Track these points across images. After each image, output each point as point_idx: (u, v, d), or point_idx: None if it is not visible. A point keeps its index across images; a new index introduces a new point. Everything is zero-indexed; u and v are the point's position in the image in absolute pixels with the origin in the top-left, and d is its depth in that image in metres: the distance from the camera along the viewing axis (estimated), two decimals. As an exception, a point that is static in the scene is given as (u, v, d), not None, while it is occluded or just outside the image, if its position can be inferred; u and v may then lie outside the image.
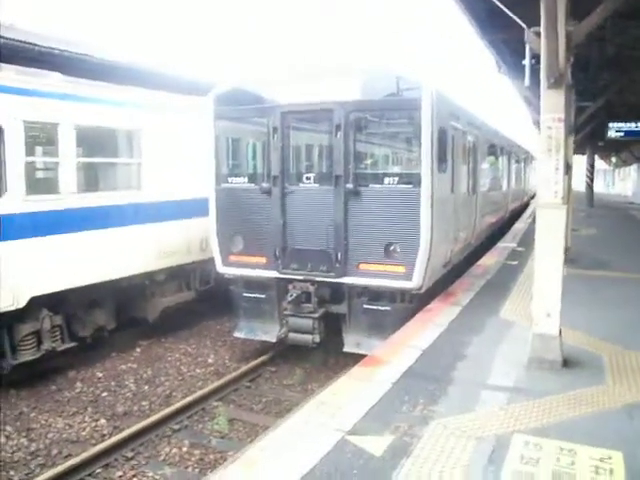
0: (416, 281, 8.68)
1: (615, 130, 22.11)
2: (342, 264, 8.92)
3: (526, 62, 7.90)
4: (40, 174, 9.65)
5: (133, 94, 10.16)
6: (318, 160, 10.16)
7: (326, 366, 9.77)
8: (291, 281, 9.30)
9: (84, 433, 7.50)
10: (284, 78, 9.22)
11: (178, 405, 8.02)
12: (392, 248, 8.70)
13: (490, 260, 14.42)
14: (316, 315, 9.20)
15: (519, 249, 16.20)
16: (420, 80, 8.52)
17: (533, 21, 7.04)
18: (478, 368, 6.63)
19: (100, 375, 9.42)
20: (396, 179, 8.72)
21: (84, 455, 6.65)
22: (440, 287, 10.35)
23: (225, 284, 10.48)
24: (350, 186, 8.75)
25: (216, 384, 8.80)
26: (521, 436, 4.91)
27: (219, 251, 9.86)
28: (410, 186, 8.55)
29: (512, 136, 22.38)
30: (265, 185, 9.28)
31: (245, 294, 9.94)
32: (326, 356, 10.07)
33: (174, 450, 7.08)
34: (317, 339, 9.26)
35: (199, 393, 8.44)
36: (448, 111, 9.88)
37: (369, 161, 9.77)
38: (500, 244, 17.40)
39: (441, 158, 9.19)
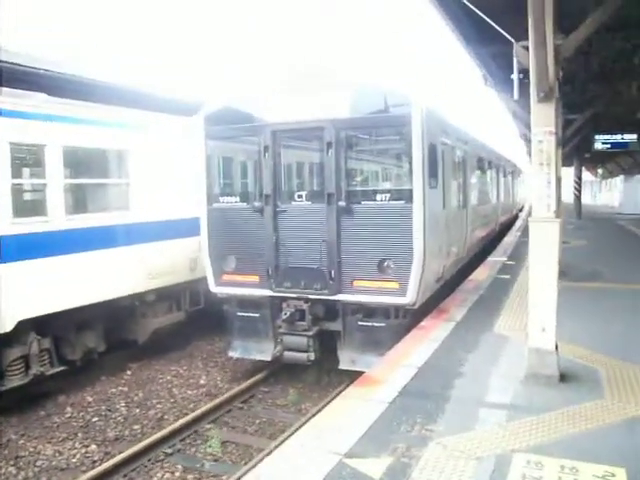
0: (410, 297, 8.64)
1: (601, 142, 22.28)
2: (336, 281, 8.87)
3: (514, 76, 7.93)
4: (27, 196, 9.53)
5: (120, 115, 10.09)
6: (309, 178, 10.06)
7: (320, 385, 9.66)
8: (285, 299, 9.20)
9: (74, 460, 7.34)
10: (273, 96, 9.16)
11: (170, 428, 7.87)
12: (385, 264, 8.67)
13: (482, 275, 14.39)
14: (310, 333, 9.11)
15: (510, 263, 16.18)
16: (410, 96, 8.56)
17: (520, 35, 7.06)
18: (475, 385, 6.55)
19: (90, 399, 9.26)
20: (388, 195, 8.70)
21: (74, 483, 6.50)
22: (433, 303, 10.31)
23: (216, 304, 10.38)
24: (342, 204, 8.75)
25: (208, 406, 8.66)
26: (522, 455, 4.83)
27: (212, 271, 9.76)
28: (402, 202, 8.56)
29: (500, 150, 22.81)
30: (257, 204, 9.26)
31: (239, 313, 9.79)
32: (320, 375, 9.97)
33: (167, 475, 6.94)
34: (312, 357, 9.16)
35: (191, 415, 8.30)
36: (438, 127, 9.99)
37: (361, 178, 9.65)
38: (491, 258, 17.38)
39: (432, 174, 9.23)
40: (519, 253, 17.98)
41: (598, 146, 22.50)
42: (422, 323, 9.45)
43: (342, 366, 9.19)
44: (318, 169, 9.33)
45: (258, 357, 9.80)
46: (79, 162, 9.64)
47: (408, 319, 9.03)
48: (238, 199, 9.66)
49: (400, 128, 8.60)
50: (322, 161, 8.98)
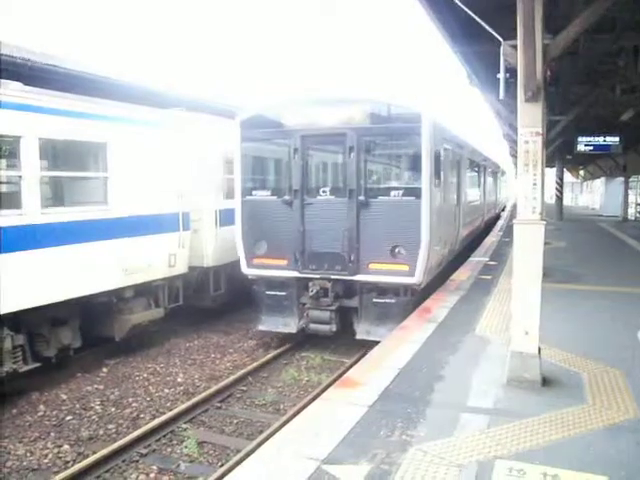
0: (417, 277, 10.14)
1: (584, 144, 22.36)
2: (354, 264, 10.34)
3: (501, 75, 7.84)
4: (2, 188, 9.29)
5: (100, 106, 9.85)
6: (333, 176, 11.23)
7: (299, 385, 9.53)
8: (310, 280, 10.63)
9: (46, 460, 7.13)
10: (303, 106, 10.61)
11: (146, 428, 7.69)
12: (397, 250, 10.14)
13: (463, 275, 14.34)
14: (333, 308, 10.56)
15: (492, 263, 16.18)
16: (420, 111, 10.02)
17: (508, 34, 6.98)
18: (456, 389, 6.47)
19: (64, 397, 9.04)
20: (400, 192, 10.15)
21: (45, 484, 6.32)
22: (434, 285, 12.02)
23: (194, 300, 10.68)
24: (361, 198, 10.21)
25: (185, 405, 8.49)
26: (504, 462, 4.73)
27: (244, 255, 11.18)
28: (412, 198, 10.04)
29: (485, 151, 23.76)
30: (287, 197, 10.66)
31: (267, 292, 11.19)
32: (300, 373, 9.86)
33: (141, 476, 6.75)
34: (334, 328, 10.64)
35: (168, 415, 8.13)
36: (440, 136, 11.41)
37: (377, 177, 11.05)
38: (473, 258, 17.36)
39: (436, 175, 10.68)
40: (501, 253, 18.01)
41: (580, 148, 22.59)
42: (404, 322, 9.54)
43: (359, 336, 10.58)
44: (340, 169, 10.70)
45: (284, 330, 11.14)
46: (56, 154, 9.41)
47: (414, 297, 10.56)
48: (269, 193, 11.02)
49: (412, 138, 10.08)
50: (344, 162, 10.41)
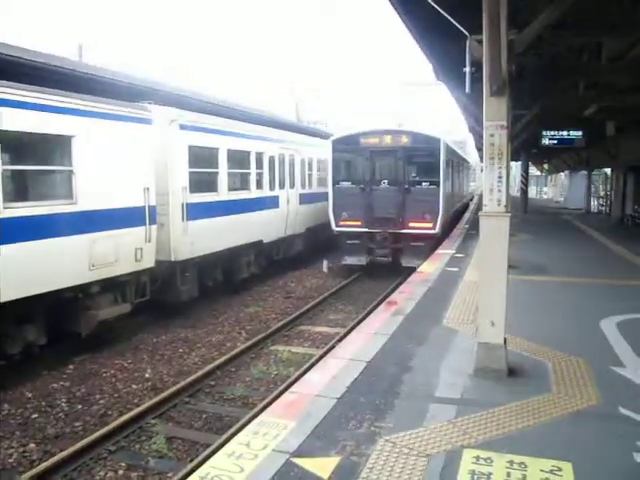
0: (437, 230, 17.57)
1: (548, 138, 22.56)
2: (401, 223, 17.63)
3: (467, 70, 7.87)
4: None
5: (66, 99, 9.66)
6: (388, 174, 18.20)
7: (267, 380, 9.51)
8: (375, 233, 17.94)
9: (11, 460, 6.98)
10: (371, 134, 18.21)
11: (114, 424, 7.61)
12: (425, 215, 17.42)
13: (430, 267, 14.46)
14: (389, 249, 17.95)
15: (458, 255, 16.35)
16: (440, 137, 18.11)
17: (474, 28, 7.02)
18: (425, 380, 6.52)
19: (30, 395, 8.88)
20: (428, 183, 17.66)
21: (10, 484, 6.21)
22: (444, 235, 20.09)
23: (162, 295, 10.39)
24: (405, 186, 17.67)
25: (154, 401, 8.41)
26: (471, 451, 4.80)
27: (334, 220, 18.30)
28: (434, 187, 17.55)
29: (458, 149, 29.07)
30: (362, 186, 18.03)
31: (347, 242, 18.31)
32: (268, 367, 9.85)
33: (110, 474, 6.67)
34: (390, 260, 17.95)
35: (136, 411, 8.04)
36: (448, 150, 19.05)
37: (414, 174, 18.09)
38: (440, 250, 17.51)
39: (446, 174, 18.32)
40: (467, 246, 18.20)
41: (545, 142, 22.78)
42: (370, 316, 9.75)
43: (404, 264, 17.51)
44: (393, 170, 18.02)
45: (359, 263, 18.18)
46: (19, 148, 9.22)
47: (434, 241, 18.06)
48: (350, 183, 18.36)
49: (435, 153, 17.57)
50: (395, 166, 17.88)
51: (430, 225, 17.42)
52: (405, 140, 17.83)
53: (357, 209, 17.93)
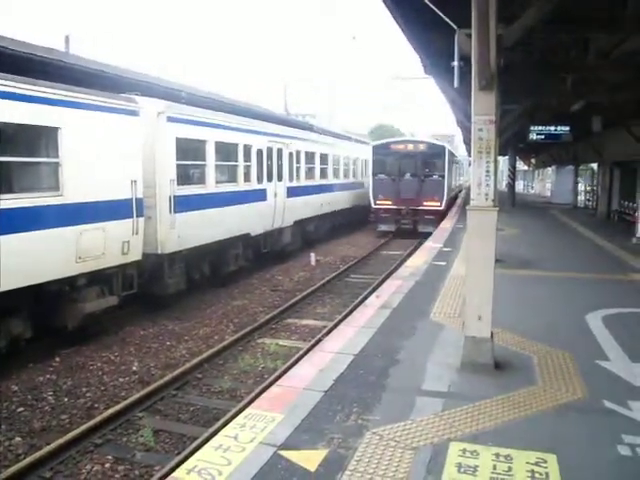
0: (443, 206, 26.46)
1: (536, 133, 22.65)
2: (419, 202, 26.07)
3: (455, 64, 7.88)
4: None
5: (53, 90, 9.57)
6: (410, 169, 26.56)
7: (254, 373, 9.51)
8: (401, 209, 26.33)
9: (-4, 452, 6.99)
10: (399, 142, 28.53)
11: (100, 417, 7.58)
12: (434, 196, 26.13)
13: (418, 260, 14.51)
14: (410, 220, 26.43)
15: (446, 249, 16.40)
16: (444, 145, 28.07)
17: (463, 22, 7.02)
18: (411, 373, 6.56)
19: (15, 388, 8.81)
20: (436, 175, 26.50)
21: (-4, 478, 6.17)
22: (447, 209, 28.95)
23: (149, 288, 10.32)
24: (422, 177, 26.36)
25: (141, 393, 8.39)
26: (458, 444, 4.83)
27: (373, 200, 26.92)
28: (441, 178, 26.43)
29: (454, 152, 38.43)
30: (392, 177, 26.54)
31: (382, 214, 26.78)
32: (255, 360, 9.86)
33: (96, 467, 6.65)
34: (412, 227, 26.24)
35: (123, 404, 8.02)
36: (450, 154, 28.94)
37: (427, 170, 26.54)
38: (427, 244, 17.57)
39: (449, 170, 27.73)
40: (455, 240, 18.26)
41: (533, 136, 22.87)
42: (358, 309, 9.78)
43: (420, 230, 25.41)
44: (413, 166, 26.54)
45: (389, 230, 26.60)
46: (4, 139, 9.12)
47: (440, 214, 26.34)
48: (384, 175, 26.77)
49: (441, 156, 26.96)
50: (415, 164, 26.61)
51: (438, 203, 26.32)
52: (422, 147, 27.35)
53: (388, 192, 26.64)
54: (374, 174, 27.28)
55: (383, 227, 26.91)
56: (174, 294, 13.20)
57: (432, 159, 26.90)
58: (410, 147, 27.33)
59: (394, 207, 26.54)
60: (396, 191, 26.45)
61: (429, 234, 21.72)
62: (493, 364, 6.60)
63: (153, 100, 12.43)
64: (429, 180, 26.38)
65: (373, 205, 27.17)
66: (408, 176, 26.51)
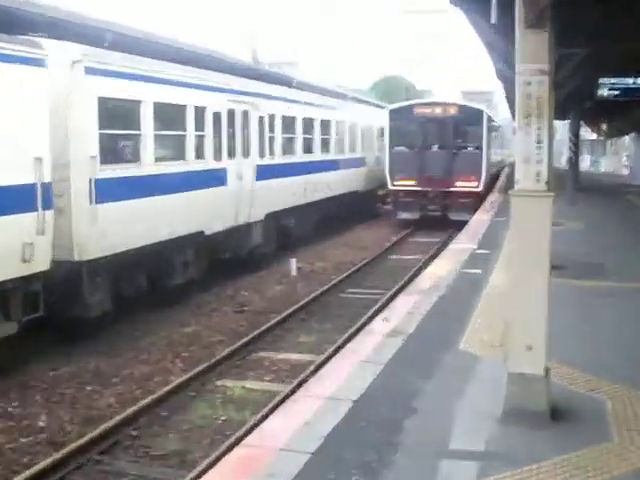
0: (480, 188, 29.26)
1: (608, 88, 22.62)
2: (450, 182, 28.50)
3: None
4: None
5: None
6: (438, 139, 29.12)
7: (212, 428, 9.50)
8: (427, 192, 28.61)
9: None
10: (423, 105, 31.36)
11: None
12: (470, 174, 28.65)
13: (442, 268, 14.58)
14: (440, 205, 28.82)
15: (481, 252, 16.51)
16: (482, 108, 31.17)
17: None
18: (434, 426, 6.59)
19: None
20: (472, 147, 29.18)
21: None
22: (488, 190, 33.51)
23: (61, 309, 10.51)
24: (454, 150, 28.75)
25: (51, 460, 8.38)
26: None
27: (389, 179, 29.60)
28: (478, 150, 29.13)
29: (490, 110, 39.81)
30: (416, 149, 29.01)
31: (401, 199, 29.43)
32: (214, 410, 9.86)
33: None
34: (440, 213, 28.74)
35: (24, 475, 8.01)
36: (488, 118, 31.43)
37: (460, 140, 29.07)
38: (454, 245, 17.65)
39: (487, 140, 30.09)
40: (493, 238, 18.33)
41: (603, 93, 22.88)
42: (357, 337, 10.03)
43: (451, 218, 28.08)
44: (442, 135, 29.06)
45: (412, 217, 28.93)
46: None
47: (479, 197, 29.52)
48: (404, 147, 29.50)
49: (479, 122, 29.47)
50: (445, 132, 28.91)
51: (475, 183, 28.79)
52: (453, 111, 29.59)
53: (411, 169, 28.80)
54: (391, 146, 29.70)
55: (404, 214, 29.18)
56: (98, 318, 13.15)
57: (467, 126, 29.06)
58: (438, 111, 29.55)
59: (418, 189, 28.53)
60: (420, 168, 28.42)
61: (464, 224, 23.81)
62: (549, 412, 6.62)
63: (66, 44, 12.38)
64: (463, 153, 28.58)
65: (390, 186, 29.73)
66: (436, 148, 28.88)
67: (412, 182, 28.54)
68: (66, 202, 12.06)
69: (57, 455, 8.52)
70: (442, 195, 28.27)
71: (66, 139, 12.03)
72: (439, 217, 28.41)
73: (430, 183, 28.15)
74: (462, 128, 28.83)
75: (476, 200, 28.71)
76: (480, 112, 29.47)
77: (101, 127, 12.66)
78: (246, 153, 19.02)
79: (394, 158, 29.23)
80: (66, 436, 9.34)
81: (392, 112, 30.28)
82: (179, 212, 15.27)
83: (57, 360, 12.01)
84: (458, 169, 28.10)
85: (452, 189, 28.16)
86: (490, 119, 32.35)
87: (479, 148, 28.66)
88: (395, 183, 29.10)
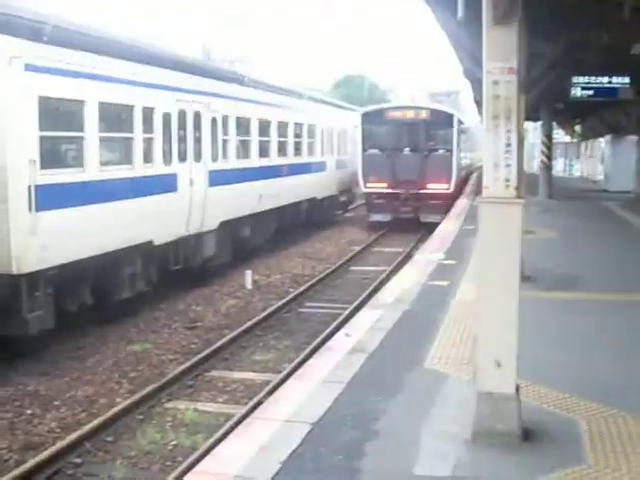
0: (451, 189, 32.37)
1: (581, 87, 22.83)
2: (421, 184, 31.20)
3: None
4: None
5: None
6: (410, 142, 32.01)
7: (162, 454, 9.41)
8: (399, 194, 31.37)
9: None
10: (396, 109, 34.36)
11: None
12: (441, 176, 31.41)
13: (407, 280, 14.59)
14: (412, 206, 31.55)
15: (448, 262, 16.55)
16: (453, 112, 34.61)
17: None
18: (398, 450, 6.57)
19: None
20: (443, 150, 32.09)
21: None
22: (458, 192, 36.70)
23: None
24: (425, 152, 31.76)
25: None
26: None
27: (362, 181, 32.58)
28: (448, 153, 32.11)
29: (466, 123, 45.64)
30: (387, 152, 31.90)
31: (375, 201, 32.45)
32: (163, 435, 9.79)
33: None
34: (412, 216, 31.29)
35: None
36: (460, 122, 35.93)
37: (432, 142, 32.33)
38: (419, 255, 17.70)
39: (457, 143, 33.08)
40: (462, 248, 18.42)
41: (576, 93, 23.09)
42: (316, 355, 10.07)
43: (422, 220, 30.82)
44: (415, 137, 32.18)
45: (384, 220, 31.61)
46: None
47: (449, 198, 32.64)
48: (377, 150, 32.22)
49: (450, 125, 32.73)
50: (417, 134, 32.03)
51: (446, 185, 31.32)
52: (425, 114, 32.16)
53: (383, 172, 31.38)
54: (364, 149, 32.52)
55: (376, 217, 32.11)
56: (38, 336, 13.02)
57: (438, 129, 32.68)
58: (410, 114, 32.59)
59: (390, 191, 31.40)
60: (392, 170, 31.38)
61: (435, 225, 26.26)
62: (520, 433, 6.62)
63: (3, 38, 12.27)
64: (434, 156, 31.59)
65: (363, 189, 32.93)
66: (407, 151, 31.72)
67: (384, 184, 31.31)
68: (3, 210, 11.92)
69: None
70: (414, 197, 30.92)
71: (2, 141, 11.89)
72: (411, 219, 30.87)
73: (402, 185, 30.87)
74: (433, 131, 32.14)
75: (447, 202, 31.43)
76: (451, 115, 32.63)
77: (42, 129, 12.53)
78: (198, 157, 18.93)
79: (366, 161, 32.01)
80: (3, 465, 9.22)
81: (364, 115, 33.18)
82: (126, 220, 15.14)
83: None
84: (429, 171, 30.84)
85: (423, 191, 30.78)
86: (460, 122, 35.40)
87: (450, 151, 31.55)
88: (368, 185, 31.98)
